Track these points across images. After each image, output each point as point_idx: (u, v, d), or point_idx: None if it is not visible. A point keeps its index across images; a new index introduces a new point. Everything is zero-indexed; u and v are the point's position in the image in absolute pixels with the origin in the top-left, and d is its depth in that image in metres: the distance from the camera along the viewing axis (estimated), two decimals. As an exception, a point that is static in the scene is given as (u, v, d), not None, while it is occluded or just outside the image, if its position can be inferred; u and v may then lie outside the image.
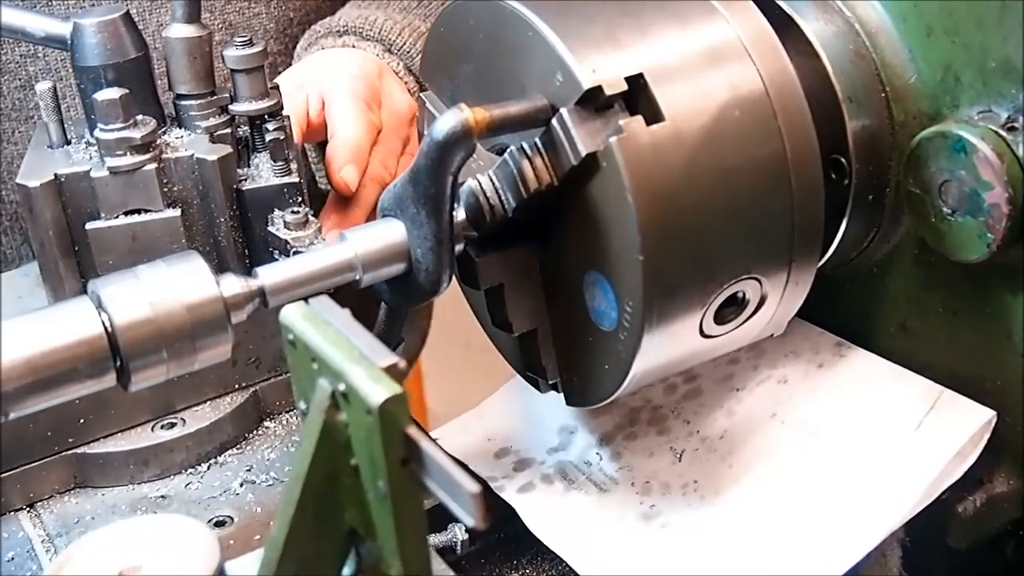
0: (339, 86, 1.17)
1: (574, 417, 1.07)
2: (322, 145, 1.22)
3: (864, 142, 0.93)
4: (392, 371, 0.67)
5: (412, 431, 0.66)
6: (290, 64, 1.40)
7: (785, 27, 0.92)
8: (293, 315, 0.73)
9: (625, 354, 0.86)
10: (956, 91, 0.88)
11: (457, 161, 0.82)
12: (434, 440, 1.05)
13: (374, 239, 0.88)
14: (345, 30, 1.29)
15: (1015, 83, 0.83)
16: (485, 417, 1.12)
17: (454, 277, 0.90)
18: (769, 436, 0.99)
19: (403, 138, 1.25)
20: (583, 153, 0.81)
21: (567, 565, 0.96)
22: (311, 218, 1.02)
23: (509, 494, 1.03)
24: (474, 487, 0.63)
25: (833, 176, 0.93)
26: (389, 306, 0.98)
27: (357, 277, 0.88)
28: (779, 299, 0.89)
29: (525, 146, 0.84)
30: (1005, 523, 0.97)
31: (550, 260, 0.91)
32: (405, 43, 1.27)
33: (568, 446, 1.06)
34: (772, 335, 0.94)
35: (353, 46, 1.27)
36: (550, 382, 0.95)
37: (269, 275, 0.85)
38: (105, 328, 0.78)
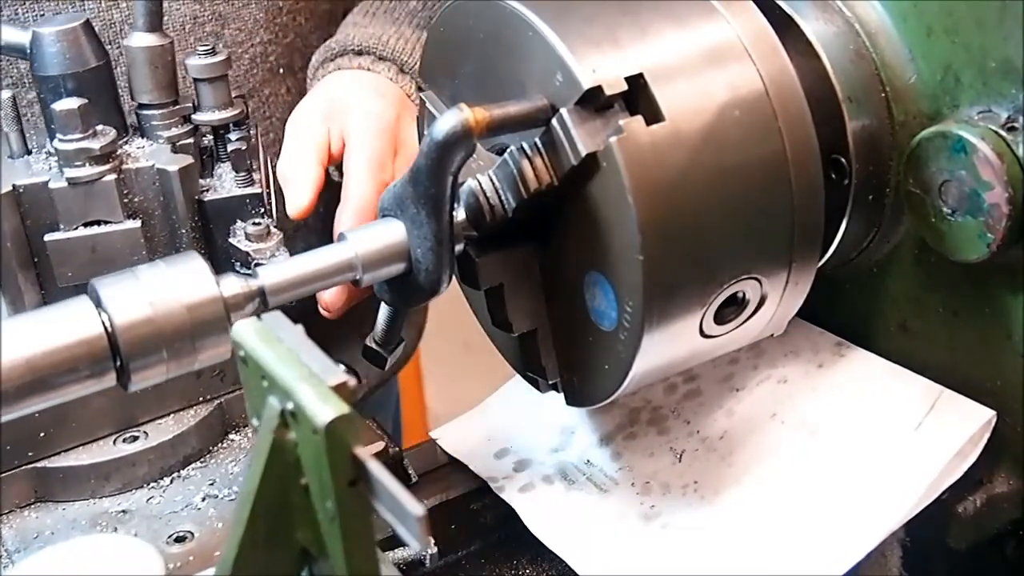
0: (360, 138, 1.17)
1: (574, 417, 1.07)
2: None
3: (864, 142, 0.93)
4: (341, 390, 0.66)
5: (360, 451, 0.65)
6: (279, 54, 1.42)
7: (785, 27, 0.92)
8: (245, 331, 0.72)
9: (625, 354, 0.86)
10: (956, 91, 0.88)
11: (457, 161, 0.82)
12: (398, 453, 1.05)
13: (374, 239, 0.88)
14: (360, 50, 1.30)
15: (1015, 83, 0.83)
16: (485, 417, 1.12)
17: (454, 277, 0.90)
18: (769, 436, 0.99)
19: None
20: (583, 153, 0.81)
21: (567, 565, 0.96)
22: (273, 229, 1.01)
23: (509, 494, 1.03)
24: (419, 510, 0.62)
25: (833, 176, 0.93)
26: (389, 306, 0.98)
27: (357, 277, 0.88)
28: (779, 299, 0.89)
29: (525, 146, 0.84)
30: (1005, 523, 0.97)
31: (550, 260, 0.91)
32: (417, 63, 1.29)
33: (568, 446, 1.06)
34: (772, 335, 0.94)
35: (369, 68, 1.28)
36: (550, 382, 0.95)
37: (269, 275, 0.85)
38: (105, 328, 0.78)
